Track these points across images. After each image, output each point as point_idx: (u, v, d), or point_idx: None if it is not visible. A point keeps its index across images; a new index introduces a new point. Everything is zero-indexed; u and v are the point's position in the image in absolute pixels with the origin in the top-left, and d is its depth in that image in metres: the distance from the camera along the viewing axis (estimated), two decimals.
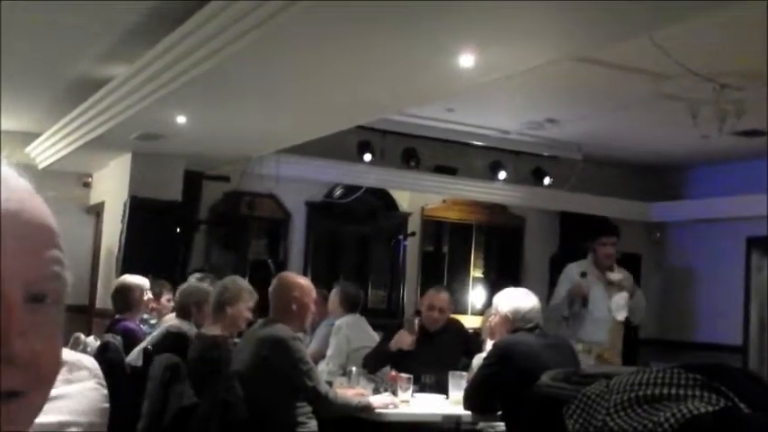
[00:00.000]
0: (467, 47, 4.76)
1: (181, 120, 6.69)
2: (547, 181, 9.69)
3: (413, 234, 9.43)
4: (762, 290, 9.78)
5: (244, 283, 4.70)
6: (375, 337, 5.89)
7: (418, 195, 9.67)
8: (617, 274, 6.13)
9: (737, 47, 5.76)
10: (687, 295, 10.22)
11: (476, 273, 10.06)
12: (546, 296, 9.39)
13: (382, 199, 9.55)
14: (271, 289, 4.41)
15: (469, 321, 8.54)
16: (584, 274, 5.93)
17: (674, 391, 1.48)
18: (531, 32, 4.53)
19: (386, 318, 8.92)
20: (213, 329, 4.50)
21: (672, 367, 1.69)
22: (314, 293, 4.47)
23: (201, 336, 4.54)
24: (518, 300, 4.37)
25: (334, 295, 6.16)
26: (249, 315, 4.58)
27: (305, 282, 4.49)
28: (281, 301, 4.34)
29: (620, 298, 6.09)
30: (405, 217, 9.65)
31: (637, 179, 10.38)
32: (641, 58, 5.84)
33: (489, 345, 4.52)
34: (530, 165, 9.70)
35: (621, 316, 6.12)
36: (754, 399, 1.51)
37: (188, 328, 4.86)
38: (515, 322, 4.31)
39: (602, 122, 8.18)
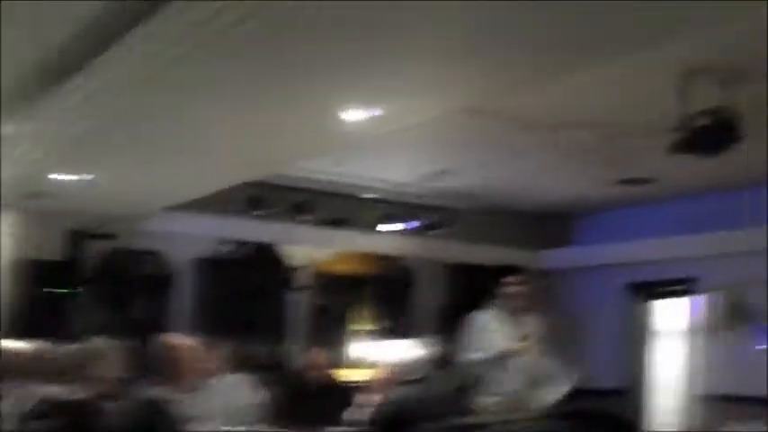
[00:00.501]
0: (354, 102, 4.78)
1: (63, 177, 6.47)
2: (438, 231, 9.78)
3: (304, 287, 9.34)
4: (641, 333, 10.10)
5: (110, 342, 4.54)
6: (260, 396, 5.78)
7: (310, 249, 9.60)
8: (527, 327, 6.15)
9: (623, 99, 5.98)
10: (574, 340, 10.43)
11: (367, 325, 10.02)
12: (435, 347, 9.47)
13: (273, 253, 9.45)
14: (151, 350, 4.28)
15: (359, 375, 8.48)
16: (525, 338, 6.03)
17: None
18: (419, 87, 4.59)
19: (274, 373, 8.76)
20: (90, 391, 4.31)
21: (543, 416, 1.69)
22: (196, 353, 4.35)
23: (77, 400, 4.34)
24: (405, 352, 4.40)
25: (217, 354, 6.01)
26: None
27: (186, 341, 4.38)
28: (162, 361, 4.21)
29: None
30: (295, 271, 9.56)
31: (525, 227, 10.59)
32: (528, 108, 5.99)
33: (376, 398, 4.50)
34: (421, 216, 9.78)
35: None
36: None
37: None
38: (401, 375, 4.33)
39: (492, 173, 8.34)
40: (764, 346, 8.52)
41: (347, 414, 4.90)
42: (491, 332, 6.00)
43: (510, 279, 6.16)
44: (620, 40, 4.00)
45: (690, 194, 8.99)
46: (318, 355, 5.58)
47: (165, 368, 4.20)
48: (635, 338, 10.06)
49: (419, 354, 4.58)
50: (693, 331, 9.42)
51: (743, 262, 8.78)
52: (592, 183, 7.62)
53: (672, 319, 10.15)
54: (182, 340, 4.43)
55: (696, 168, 6.97)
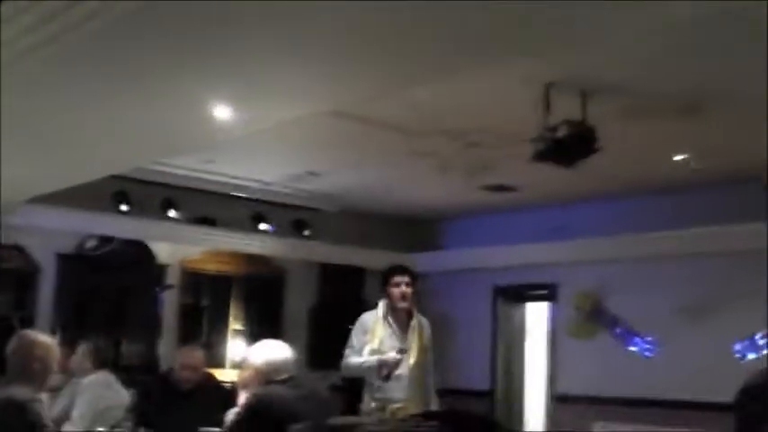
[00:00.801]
0: (222, 99, 4.75)
1: None
2: (307, 232, 9.81)
3: (171, 286, 9.19)
4: (507, 336, 10.35)
5: None
6: (126, 396, 5.66)
7: (177, 247, 9.45)
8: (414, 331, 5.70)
9: (484, 107, 6.13)
10: (442, 342, 10.59)
11: (236, 325, 9.92)
12: (305, 346, 9.52)
13: (139, 250, 9.24)
14: (9, 348, 4.11)
15: (228, 375, 8.40)
16: (402, 351, 5.46)
17: None
18: (286, 87, 4.59)
19: (143, 373, 8.60)
20: None
21: (413, 416, 1.73)
22: (57, 351, 4.22)
23: None
24: (270, 352, 4.35)
25: (81, 352, 5.86)
26: None
27: (47, 339, 4.22)
28: (21, 360, 4.06)
29: None
30: (163, 269, 9.39)
31: (394, 230, 10.71)
32: (394, 115, 6.08)
33: (243, 398, 4.46)
34: (290, 216, 9.77)
35: None
36: None
37: None
38: (268, 374, 4.29)
39: (360, 176, 8.41)
40: (633, 348, 8.87)
41: (229, 415, 4.81)
42: (376, 335, 5.55)
43: (396, 278, 5.58)
44: (483, 51, 4.09)
45: (551, 203, 9.29)
46: (190, 355, 5.47)
47: (25, 367, 4.04)
48: (504, 341, 10.31)
49: (289, 354, 4.53)
50: (556, 334, 9.71)
51: (602, 269, 9.14)
52: (457, 188, 7.78)
53: (537, 323, 10.47)
54: (42, 338, 4.27)
55: (557, 177, 7.22)
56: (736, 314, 8.10)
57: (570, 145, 5.76)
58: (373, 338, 5.55)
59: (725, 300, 8.21)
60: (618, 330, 9.08)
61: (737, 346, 8.04)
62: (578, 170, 6.20)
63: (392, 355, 5.42)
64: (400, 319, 5.63)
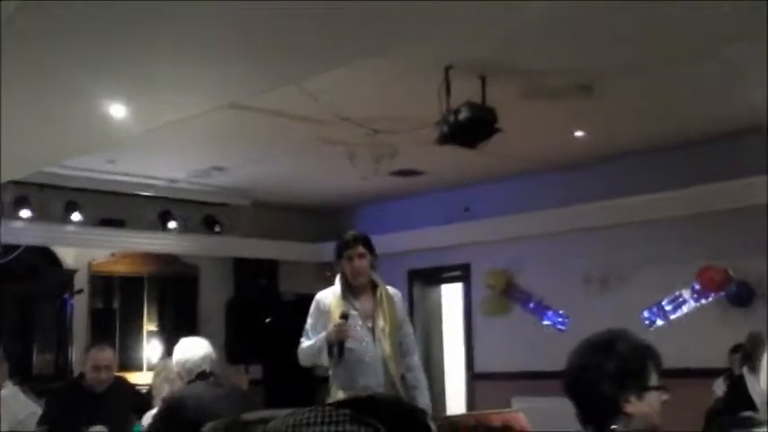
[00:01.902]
0: (117, 97, 4.67)
1: None
2: (218, 228, 9.71)
3: (80, 291, 8.99)
4: (424, 318, 10.45)
5: None
6: (36, 407, 5.52)
7: (84, 250, 9.24)
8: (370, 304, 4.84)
9: (386, 94, 6.17)
10: None
11: (150, 326, 9.78)
12: (223, 342, 9.44)
13: (45, 256, 9.02)
14: None
15: (145, 378, 8.27)
16: (344, 316, 4.64)
17: (325, 428, 1.51)
18: (181, 83, 4.55)
19: (54, 382, 8.40)
20: None
21: (324, 405, 1.75)
22: None
23: None
24: (186, 350, 4.32)
25: None
26: None
27: None
28: None
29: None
30: (70, 274, 9.17)
31: (306, 221, 10.69)
32: (298, 104, 6.06)
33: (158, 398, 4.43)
34: (200, 213, 9.66)
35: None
36: (401, 428, 1.59)
37: None
38: (186, 374, 4.26)
39: (267, 168, 8.36)
40: (547, 322, 9.05)
41: (146, 419, 4.73)
42: (333, 316, 4.70)
43: (348, 252, 4.79)
44: (379, 36, 4.12)
45: (458, 185, 9.40)
46: (100, 355, 5.32)
47: None
48: (421, 323, 10.39)
49: (205, 350, 4.48)
50: (472, 314, 9.85)
51: (511, 246, 9.30)
52: (365, 175, 7.81)
53: (453, 304, 10.60)
54: None
55: (462, 159, 7.31)
56: (642, 281, 8.35)
57: (472, 127, 5.85)
58: (332, 319, 4.71)
59: (631, 268, 8.45)
60: (531, 305, 9.26)
61: (645, 313, 8.29)
62: (482, 151, 6.30)
63: (331, 326, 4.65)
64: (363, 294, 4.82)
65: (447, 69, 5.64)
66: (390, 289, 4.91)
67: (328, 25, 3.85)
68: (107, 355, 5.32)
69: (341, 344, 4.63)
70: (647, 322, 8.24)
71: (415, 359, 4.89)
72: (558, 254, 8.98)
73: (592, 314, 8.52)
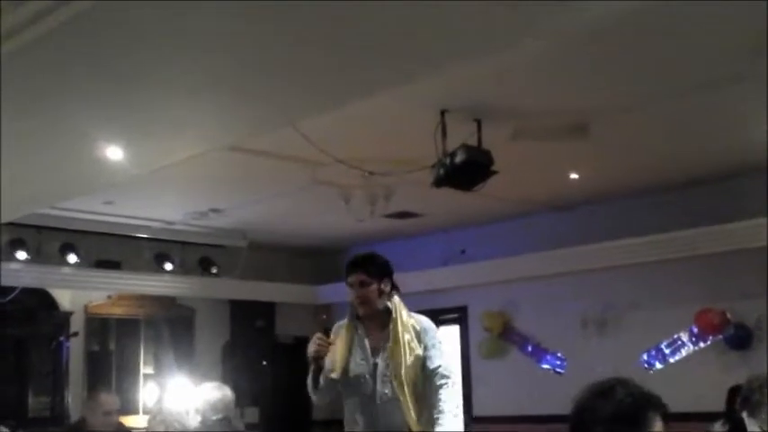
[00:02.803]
0: (114, 139, 4.68)
1: None
2: (214, 270, 9.69)
3: (75, 334, 8.95)
4: None
5: None
6: None
7: (80, 293, 9.21)
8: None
9: (381, 136, 6.19)
10: None
11: (146, 369, 9.72)
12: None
13: (41, 298, 8.98)
14: None
15: (141, 422, 8.21)
16: (325, 332, 4.22)
17: None
18: (178, 126, 4.56)
19: (51, 425, 8.35)
20: None
21: None
22: None
23: None
24: (208, 393, 4.41)
25: None
26: None
27: None
28: None
29: None
30: (66, 316, 9.14)
31: (302, 263, 10.68)
32: (293, 146, 6.08)
33: None
34: (196, 254, 9.65)
35: None
36: None
37: None
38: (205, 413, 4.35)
39: (263, 210, 8.37)
40: (545, 366, 8.99)
41: None
42: (337, 349, 4.19)
43: (350, 279, 4.23)
44: (374, 78, 4.14)
45: (454, 226, 9.41)
46: (109, 400, 5.32)
47: None
48: None
49: (226, 394, 4.54)
50: (469, 356, 9.80)
51: (508, 288, 9.28)
52: (361, 217, 7.82)
53: (450, 346, 10.54)
54: None
55: (458, 201, 7.32)
56: (640, 324, 8.32)
57: (468, 169, 5.86)
58: (336, 353, 4.18)
59: (630, 310, 8.42)
60: (529, 348, 9.22)
61: (644, 357, 8.25)
62: (477, 193, 6.30)
63: (314, 338, 4.16)
64: (373, 326, 4.20)
65: (443, 112, 5.67)
66: (418, 319, 4.24)
67: (323, 68, 3.87)
68: (115, 400, 5.34)
69: (317, 362, 4.12)
70: (645, 365, 8.20)
71: (441, 399, 4.08)
72: (554, 296, 8.96)
73: (590, 357, 8.48)
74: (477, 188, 6.13)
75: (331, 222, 8.92)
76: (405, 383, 4.05)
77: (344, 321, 4.23)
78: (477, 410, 9.62)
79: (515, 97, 5.57)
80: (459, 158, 5.80)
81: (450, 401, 4.08)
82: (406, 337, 4.11)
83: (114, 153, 4.89)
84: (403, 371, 4.04)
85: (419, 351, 4.10)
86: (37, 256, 8.46)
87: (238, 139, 5.44)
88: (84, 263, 8.87)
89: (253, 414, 9.91)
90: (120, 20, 3.32)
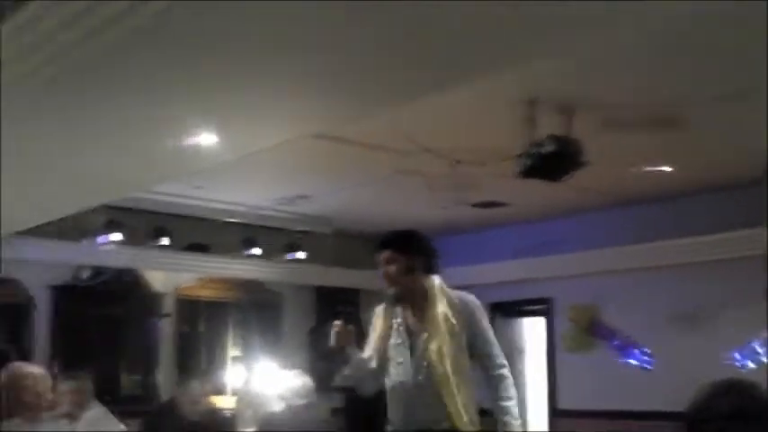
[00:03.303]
0: (207, 125, 4.77)
1: None
2: (301, 255, 9.80)
3: (167, 315, 9.17)
4: (505, 352, 10.29)
5: None
6: (122, 426, 5.67)
7: (172, 275, 9.44)
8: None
9: (469, 125, 6.16)
10: None
11: (234, 351, 9.91)
12: (304, 370, 9.47)
13: (133, 279, 9.23)
14: (1, 381, 4.11)
15: (228, 402, 8.38)
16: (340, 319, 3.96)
17: None
18: (268, 112, 4.61)
19: (142, 403, 8.58)
20: None
21: None
22: (48, 382, 4.22)
23: None
24: (289, 380, 4.50)
25: (76, 386, 5.82)
26: None
27: (38, 370, 4.22)
28: (14, 392, 4.06)
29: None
30: (158, 297, 9.38)
31: None
32: (380, 135, 6.11)
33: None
34: (283, 240, 9.77)
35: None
36: None
37: None
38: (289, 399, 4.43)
39: (350, 197, 8.43)
40: (632, 361, 8.85)
41: None
42: (375, 333, 3.98)
43: (379, 257, 3.94)
44: (463, 67, 4.12)
45: (541, 217, 9.31)
46: (198, 389, 5.50)
47: (17, 399, 4.03)
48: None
49: (306, 382, 4.63)
50: (554, 349, 9.70)
51: (596, 281, 9.14)
52: (445, 206, 7.81)
53: (535, 338, 10.46)
54: (32, 369, 4.27)
55: (545, 192, 7.24)
56: (732, 321, 8.09)
57: (557, 160, 5.78)
58: (373, 337, 3.97)
59: (720, 307, 8.21)
60: (615, 343, 9.07)
61: (737, 355, 8.02)
62: (566, 184, 6.22)
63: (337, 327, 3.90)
64: (408, 306, 3.92)
65: (531, 101, 5.61)
66: (464, 299, 3.97)
67: (414, 55, 3.87)
68: (205, 387, 5.49)
69: (341, 352, 3.86)
70: (737, 364, 7.98)
71: (503, 380, 3.85)
72: (643, 290, 8.79)
73: (679, 353, 8.31)
74: (565, 179, 6.05)
75: (415, 211, 8.93)
76: (446, 370, 3.72)
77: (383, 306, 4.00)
78: (562, 404, 9.53)
79: (607, 86, 5.47)
80: (546, 149, 5.73)
81: (513, 388, 3.86)
82: (446, 318, 3.80)
83: (207, 138, 4.98)
84: (442, 356, 3.72)
85: (462, 335, 3.79)
86: (131, 238, 8.69)
87: (326, 128, 5.48)
88: (175, 245, 9.07)
89: (338, 399, 10.01)
90: (214, 8, 3.38)
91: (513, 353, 10.45)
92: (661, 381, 8.39)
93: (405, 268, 3.88)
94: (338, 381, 4.29)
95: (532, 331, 10.55)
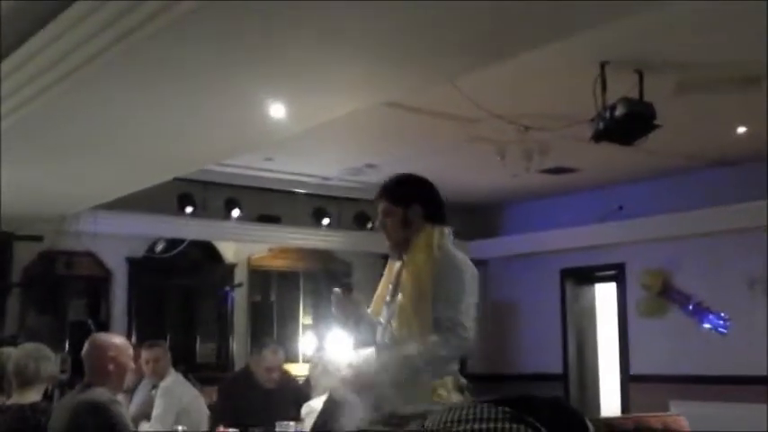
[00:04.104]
0: (277, 97, 4.81)
1: None
2: (369, 225, 9.85)
3: (240, 285, 9.32)
4: (577, 318, 10.28)
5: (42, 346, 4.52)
6: (198, 395, 5.81)
7: (243, 245, 9.59)
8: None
9: (538, 90, 6.09)
10: (510, 328, 10.59)
11: (305, 320, 10.04)
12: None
13: (207, 251, 9.41)
14: (84, 351, 4.23)
15: (300, 369, 8.51)
16: (346, 285, 3.56)
17: (485, 425, 1.50)
18: (339, 82, 4.63)
19: (216, 371, 8.78)
20: (25, 397, 4.26)
21: (482, 401, 1.75)
22: (131, 352, 4.33)
23: (12, 406, 4.29)
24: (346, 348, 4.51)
25: (156, 354, 5.97)
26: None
27: (120, 341, 4.33)
28: (97, 362, 4.17)
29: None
30: (231, 268, 9.55)
31: (455, 218, 10.64)
32: (449, 103, 6.07)
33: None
34: (352, 209, 9.82)
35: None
36: (560, 428, 1.58)
37: None
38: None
39: (418, 166, 8.27)
40: (707, 325, 8.72)
41: (304, 408, 4.94)
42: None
43: (380, 206, 3.54)
44: (533, 31, 4.08)
45: (611, 182, 9.18)
46: (274, 357, 5.60)
47: (101, 369, 4.15)
48: (574, 323, 10.25)
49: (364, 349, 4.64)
50: (627, 314, 9.61)
51: (668, 246, 9.01)
52: (516, 173, 7.75)
53: (607, 304, 10.37)
54: (115, 339, 4.38)
55: (616, 156, 7.14)
56: None
57: (629, 123, 5.70)
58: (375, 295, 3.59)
59: None
60: (690, 307, 8.94)
61: None
62: (637, 148, 6.13)
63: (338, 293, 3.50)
64: (397, 263, 3.51)
65: (603, 65, 5.52)
66: (451, 256, 3.34)
67: (483, 21, 3.84)
68: (279, 357, 5.58)
69: (346, 321, 3.48)
70: None
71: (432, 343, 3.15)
72: (718, 254, 8.63)
73: (756, 318, 8.16)
74: (637, 143, 5.96)
75: (485, 178, 8.90)
76: (401, 335, 3.25)
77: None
78: (634, 369, 9.45)
79: (681, 48, 5.36)
80: (619, 112, 5.64)
81: (434, 346, 3.14)
82: (418, 276, 3.27)
83: (277, 111, 5.02)
84: (403, 319, 3.26)
85: (428, 296, 3.20)
86: (203, 210, 8.84)
87: (396, 96, 5.48)
88: (247, 217, 9.20)
89: None
90: None
91: (585, 319, 10.40)
92: (737, 345, 8.26)
93: (401, 220, 3.43)
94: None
95: (603, 297, 10.46)
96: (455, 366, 3.26)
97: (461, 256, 3.38)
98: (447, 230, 3.44)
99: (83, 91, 4.62)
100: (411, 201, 3.43)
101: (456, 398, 3.11)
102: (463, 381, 3.24)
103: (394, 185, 3.52)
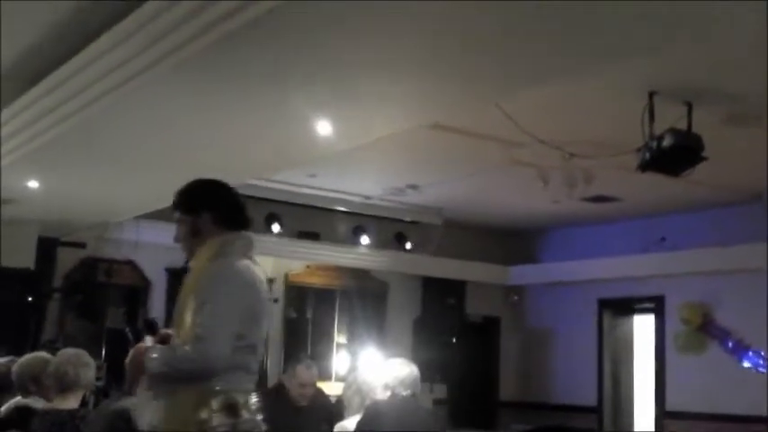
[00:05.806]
0: (324, 115, 4.83)
1: (33, 184, 6.48)
2: (409, 245, 9.84)
3: (276, 300, 9.35)
4: (613, 350, 10.15)
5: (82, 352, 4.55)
6: None
7: (281, 261, 9.61)
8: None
9: (584, 117, 6.07)
10: (544, 356, 10.50)
11: (340, 338, 10.03)
12: (408, 360, 9.50)
13: None
14: (127, 360, 4.24)
15: (333, 388, 8.48)
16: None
17: None
18: (385, 102, 4.65)
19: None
20: (64, 403, 4.29)
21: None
22: None
23: (50, 411, 4.32)
24: (396, 368, 4.54)
25: None
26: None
27: None
28: (138, 371, 4.18)
29: None
30: (269, 283, 9.55)
31: (494, 243, 10.66)
32: (493, 126, 6.06)
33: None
34: (392, 229, 9.83)
35: None
36: None
37: (34, 402, 4.62)
38: (395, 388, 4.47)
39: (459, 188, 8.40)
40: (746, 364, 8.57)
41: (337, 427, 4.93)
42: None
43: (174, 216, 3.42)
44: (582, 59, 4.07)
45: (654, 213, 9.09)
46: (307, 373, 5.59)
47: (139, 377, 4.17)
48: (610, 354, 10.13)
49: (413, 371, 4.68)
50: (664, 348, 9.48)
51: (710, 280, 8.88)
52: (557, 199, 7.71)
53: (644, 336, 10.24)
54: None
55: (659, 187, 7.07)
56: None
57: (676, 154, 5.64)
58: None
59: None
60: (729, 344, 8.79)
61: None
62: (682, 179, 6.07)
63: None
64: None
65: (651, 94, 5.48)
66: (224, 263, 3.10)
67: (531, 45, 3.84)
68: (313, 373, 5.56)
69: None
70: None
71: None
72: (761, 291, 8.48)
73: None
74: (685, 174, 5.90)
75: (526, 203, 8.85)
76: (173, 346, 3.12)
77: None
78: (670, 405, 9.31)
79: (731, 80, 5.31)
80: (666, 142, 5.59)
81: (178, 354, 3.01)
82: (192, 288, 3.10)
83: (324, 128, 5.05)
84: (179, 334, 3.08)
85: (189, 305, 3.03)
86: None
87: (441, 117, 5.49)
88: (286, 232, 9.23)
89: (440, 390, 10.02)
90: (330, 4, 3.43)
91: (622, 350, 10.27)
92: None
93: (190, 230, 3.28)
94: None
95: (641, 329, 10.33)
96: (248, 384, 3.03)
97: (244, 263, 3.16)
98: (241, 236, 3.24)
99: (129, 102, 4.68)
100: (200, 209, 3.26)
101: (223, 420, 2.90)
102: (238, 398, 2.96)
103: (183, 195, 3.34)
